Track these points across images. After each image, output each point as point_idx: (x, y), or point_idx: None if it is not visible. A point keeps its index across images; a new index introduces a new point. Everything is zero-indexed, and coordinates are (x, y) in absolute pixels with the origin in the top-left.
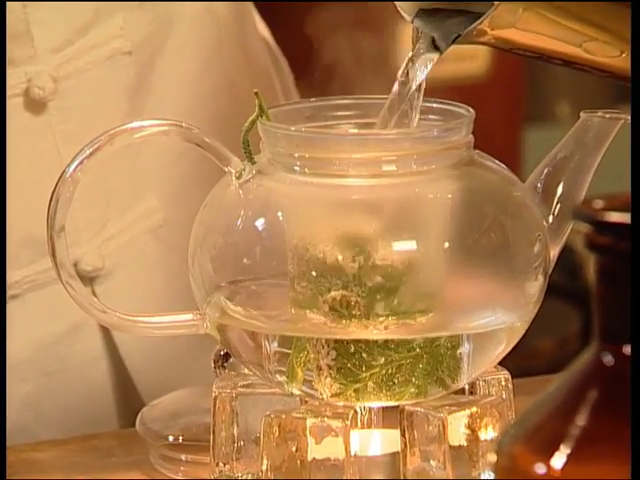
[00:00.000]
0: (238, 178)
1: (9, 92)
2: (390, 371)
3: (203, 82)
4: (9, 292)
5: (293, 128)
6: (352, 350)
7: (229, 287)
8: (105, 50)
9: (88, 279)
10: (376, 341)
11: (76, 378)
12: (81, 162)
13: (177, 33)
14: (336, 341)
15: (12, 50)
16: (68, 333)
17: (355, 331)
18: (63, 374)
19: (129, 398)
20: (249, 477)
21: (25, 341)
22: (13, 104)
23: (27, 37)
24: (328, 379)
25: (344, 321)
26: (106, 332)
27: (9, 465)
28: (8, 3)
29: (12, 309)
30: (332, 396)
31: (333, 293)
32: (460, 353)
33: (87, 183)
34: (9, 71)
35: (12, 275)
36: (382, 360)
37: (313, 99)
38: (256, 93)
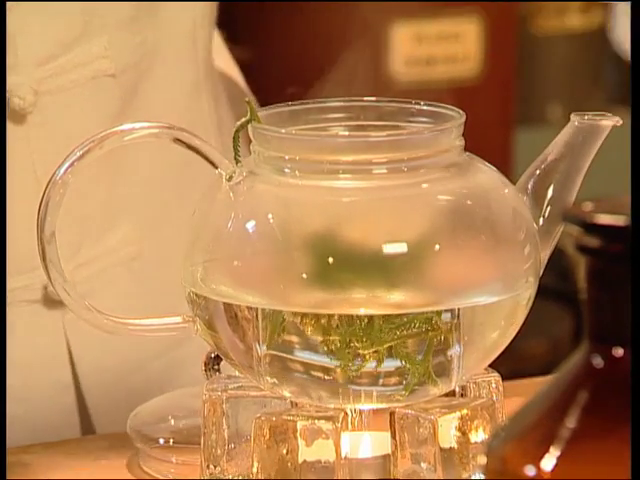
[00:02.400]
0: (229, 180)
1: None
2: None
3: (190, 109)
4: None
5: (283, 130)
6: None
7: (220, 288)
8: (89, 70)
9: (59, 303)
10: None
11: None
12: (71, 164)
13: (164, 60)
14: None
15: None
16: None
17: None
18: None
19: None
20: (240, 479)
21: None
22: None
23: (11, 45)
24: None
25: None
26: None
27: None
28: None
29: None
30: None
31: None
32: (451, 355)
33: (65, 204)
34: None
35: None
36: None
37: (305, 101)
38: (247, 101)
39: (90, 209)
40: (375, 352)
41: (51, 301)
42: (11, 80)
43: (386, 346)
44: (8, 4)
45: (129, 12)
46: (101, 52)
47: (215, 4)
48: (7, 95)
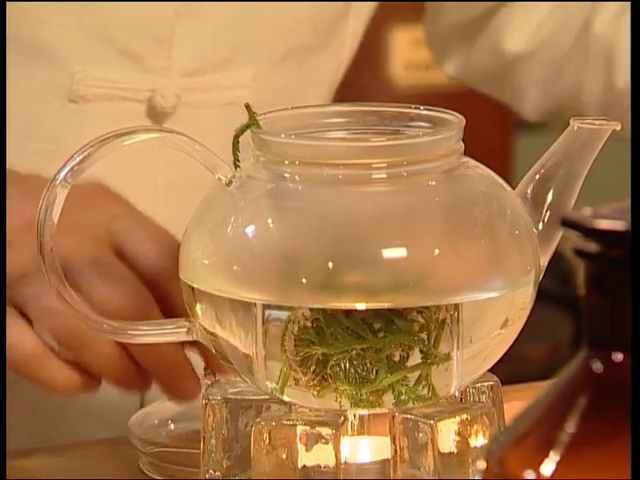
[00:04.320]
0: (228, 185)
1: (128, 94)
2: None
3: None
4: None
5: (283, 135)
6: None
7: (220, 289)
8: (228, 95)
9: None
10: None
11: None
12: (71, 169)
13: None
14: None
15: (147, 52)
16: None
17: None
18: None
19: None
20: None
21: None
22: (131, 108)
23: (167, 46)
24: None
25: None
26: None
27: None
28: (159, 3)
29: None
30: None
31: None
32: (449, 365)
33: None
34: (136, 73)
35: None
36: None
37: (304, 106)
38: (246, 105)
39: None
40: (375, 353)
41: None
42: (158, 80)
43: (385, 348)
44: (174, 5)
45: (278, 53)
46: (244, 82)
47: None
48: (150, 95)
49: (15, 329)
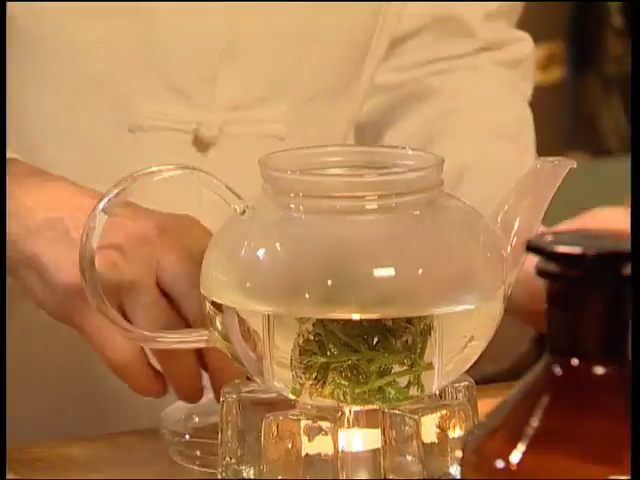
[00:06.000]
0: (242, 214)
1: (178, 125)
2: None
3: None
4: None
5: (289, 172)
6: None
7: (235, 305)
8: (265, 128)
9: None
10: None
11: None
12: (109, 200)
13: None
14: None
15: (194, 90)
16: None
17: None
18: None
19: None
20: (251, 469)
21: None
22: (179, 138)
23: (211, 85)
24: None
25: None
26: None
27: (40, 459)
28: (206, 48)
29: None
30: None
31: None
32: (432, 363)
33: None
34: (184, 108)
35: None
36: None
37: (307, 146)
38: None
39: None
40: (368, 363)
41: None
42: (203, 114)
43: (376, 360)
44: (218, 50)
45: (308, 93)
46: (278, 117)
47: None
48: (196, 127)
49: (122, 334)
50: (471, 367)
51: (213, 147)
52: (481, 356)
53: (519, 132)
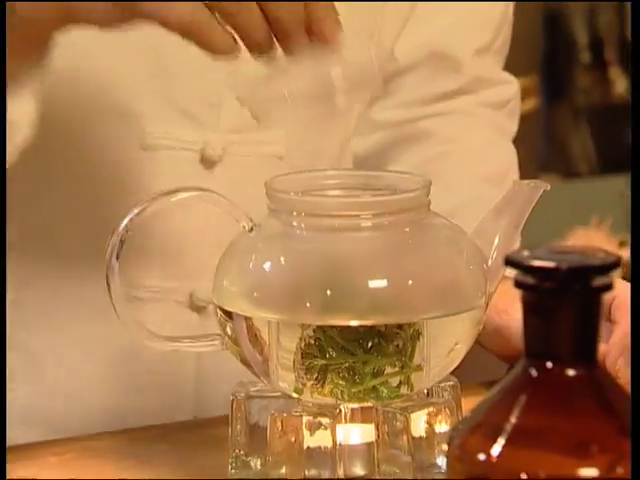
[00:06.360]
0: (250, 231)
1: (186, 145)
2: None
3: None
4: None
5: (292, 193)
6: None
7: (244, 313)
8: (265, 149)
9: (202, 308)
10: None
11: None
12: (131, 219)
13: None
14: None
15: (201, 113)
16: None
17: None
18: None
19: None
20: (258, 460)
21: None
22: (187, 156)
23: (217, 109)
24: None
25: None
26: None
27: (70, 451)
28: (211, 77)
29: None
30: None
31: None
32: (421, 364)
33: None
34: (192, 129)
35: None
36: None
37: (309, 170)
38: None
39: None
40: (363, 365)
41: (195, 306)
42: (209, 135)
43: (370, 362)
44: (222, 78)
45: (304, 118)
46: (278, 139)
47: None
48: (202, 147)
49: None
50: (456, 368)
51: (218, 164)
52: (464, 360)
53: (505, 174)
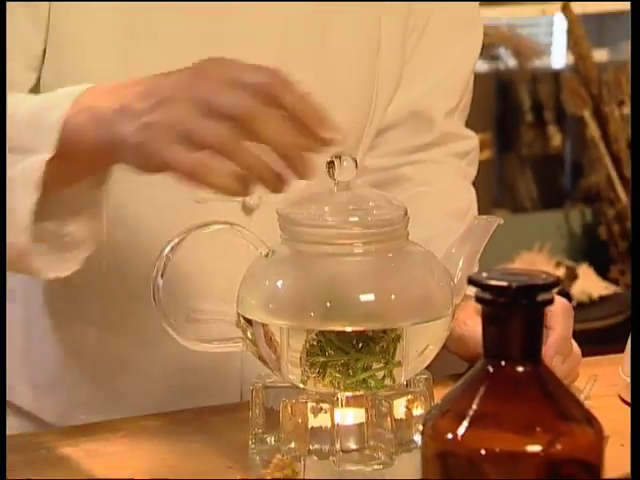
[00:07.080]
0: (266, 257)
1: (228, 197)
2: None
3: None
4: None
5: (298, 226)
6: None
7: (261, 317)
8: (291, 196)
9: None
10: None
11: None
12: (172, 247)
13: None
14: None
15: None
16: None
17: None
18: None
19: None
20: (272, 437)
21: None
22: (231, 206)
23: None
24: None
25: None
26: None
27: (121, 428)
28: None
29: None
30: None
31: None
32: (401, 361)
33: None
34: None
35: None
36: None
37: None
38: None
39: None
40: (355, 362)
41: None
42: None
43: (361, 359)
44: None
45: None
46: (299, 188)
47: None
48: (242, 199)
49: (176, 150)
50: (429, 365)
51: (256, 211)
52: (435, 358)
53: (467, 211)
